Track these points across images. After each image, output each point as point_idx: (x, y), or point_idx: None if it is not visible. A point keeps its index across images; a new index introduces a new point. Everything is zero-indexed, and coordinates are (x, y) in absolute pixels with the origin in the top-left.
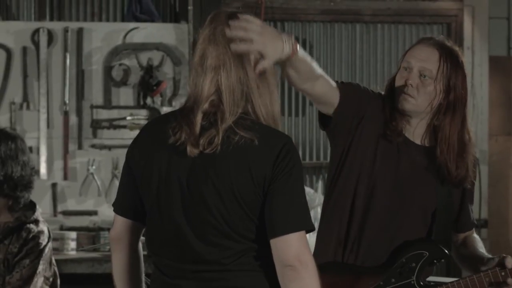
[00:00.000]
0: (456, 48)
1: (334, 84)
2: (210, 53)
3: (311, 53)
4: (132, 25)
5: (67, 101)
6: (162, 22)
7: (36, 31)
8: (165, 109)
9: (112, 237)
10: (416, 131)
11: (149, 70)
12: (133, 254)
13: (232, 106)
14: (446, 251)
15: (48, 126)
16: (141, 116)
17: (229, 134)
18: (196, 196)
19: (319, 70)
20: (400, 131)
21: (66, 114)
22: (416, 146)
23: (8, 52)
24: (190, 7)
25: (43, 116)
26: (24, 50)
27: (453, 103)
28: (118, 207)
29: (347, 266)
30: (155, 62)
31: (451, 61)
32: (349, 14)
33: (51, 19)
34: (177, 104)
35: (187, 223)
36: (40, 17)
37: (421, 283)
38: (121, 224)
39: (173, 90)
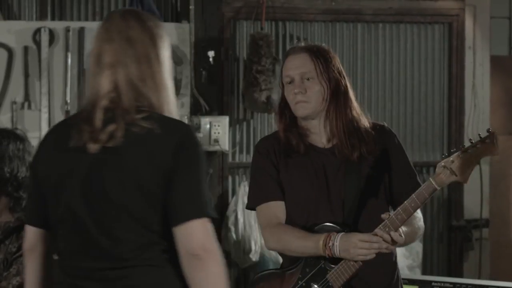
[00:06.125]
0: (321, 45)
1: (279, 211)
2: (106, 51)
3: None
4: None
5: (68, 101)
6: (163, 22)
7: (38, 31)
8: None
9: (26, 248)
10: (323, 131)
11: None
12: (46, 263)
13: (131, 101)
14: (337, 226)
15: (49, 126)
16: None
17: (130, 127)
18: (98, 191)
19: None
20: (296, 144)
21: (67, 113)
22: (322, 149)
23: (10, 51)
24: (191, 7)
25: (44, 116)
26: (26, 49)
27: (335, 91)
28: (29, 218)
29: (274, 272)
30: None
31: (321, 55)
32: (350, 13)
33: (53, 19)
34: (179, 103)
35: (91, 219)
36: (42, 16)
37: (332, 265)
38: (33, 234)
39: (174, 90)
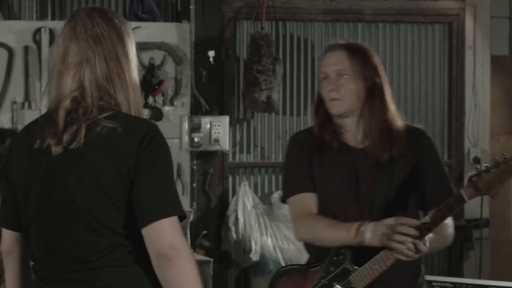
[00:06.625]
0: (361, 44)
1: (310, 202)
2: (72, 50)
3: (312, 53)
4: (134, 24)
5: None
6: (164, 22)
7: (38, 31)
8: (167, 108)
9: (3, 251)
10: (357, 131)
11: (151, 70)
12: (24, 265)
13: (95, 101)
14: None
15: None
16: (143, 116)
17: (92, 126)
18: (62, 194)
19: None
20: (330, 141)
21: None
22: (354, 148)
23: (10, 51)
24: (192, 6)
25: None
26: (26, 49)
27: (371, 91)
28: (4, 221)
29: (298, 268)
30: (157, 62)
31: (360, 54)
32: (351, 13)
33: (53, 18)
34: (179, 103)
35: (56, 222)
36: (42, 16)
37: (355, 266)
38: (9, 237)
39: (174, 90)
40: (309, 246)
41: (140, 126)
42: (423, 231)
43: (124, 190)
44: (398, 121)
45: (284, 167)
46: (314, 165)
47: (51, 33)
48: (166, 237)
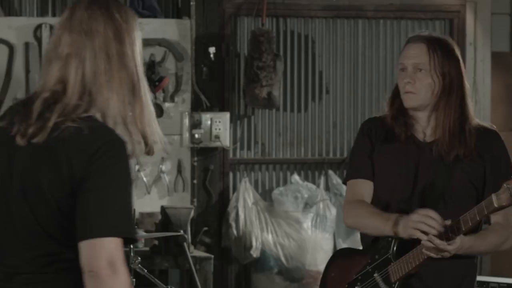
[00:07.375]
0: (444, 37)
1: (365, 189)
2: (64, 40)
3: (313, 49)
4: None
5: None
6: (164, 18)
7: (39, 27)
8: (168, 105)
9: None
10: (428, 126)
11: (151, 66)
12: None
13: (73, 99)
14: None
15: None
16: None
17: (58, 125)
18: (14, 190)
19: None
20: (398, 133)
21: None
22: (421, 142)
23: (11, 47)
24: (192, 3)
25: None
26: (27, 45)
27: (448, 87)
28: None
29: (352, 250)
30: (158, 58)
31: (440, 49)
32: (352, 10)
33: (54, 15)
34: (179, 99)
35: (10, 217)
36: (43, 12)
37: (397, 256)
38: None
39: (175, 86)
40: (363, 236)
41: (99, 136)
42: (454, 230)
43: (68, 199)
44: (473, 121)
45: (351, 151)
46: (377, 153)
47: (52, 29)
48: (101, 256)
